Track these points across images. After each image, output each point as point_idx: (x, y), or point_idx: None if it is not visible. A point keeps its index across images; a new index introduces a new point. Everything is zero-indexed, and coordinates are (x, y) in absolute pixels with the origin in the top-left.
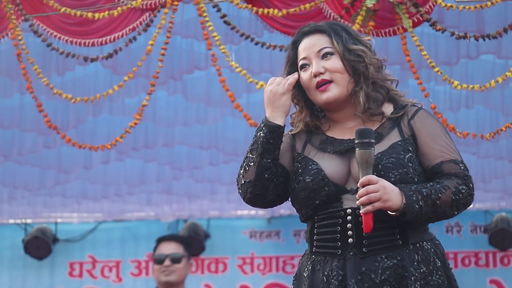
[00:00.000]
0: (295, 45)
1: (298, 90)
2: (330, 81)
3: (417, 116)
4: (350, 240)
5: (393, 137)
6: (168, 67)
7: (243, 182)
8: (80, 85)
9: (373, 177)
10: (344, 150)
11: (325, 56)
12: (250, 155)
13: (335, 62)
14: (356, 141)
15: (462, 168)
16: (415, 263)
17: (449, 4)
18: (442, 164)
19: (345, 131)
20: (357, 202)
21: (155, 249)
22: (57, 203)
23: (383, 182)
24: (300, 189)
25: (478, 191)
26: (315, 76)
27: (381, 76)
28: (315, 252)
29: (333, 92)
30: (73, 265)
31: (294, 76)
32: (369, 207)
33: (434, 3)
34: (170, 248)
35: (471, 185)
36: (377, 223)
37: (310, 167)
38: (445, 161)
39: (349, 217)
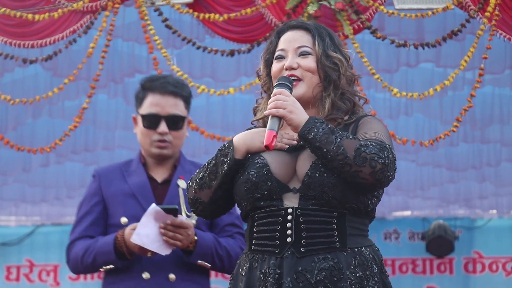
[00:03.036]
0: (278, 35)
1: (270, 78)
2: (299, 79)
3: (362, 120)
4: (288, 239)
5: None
6: (109, 70)
7: (194, 197)
8: (19, 87)
9: (287, 92)
10: (292, 148)
11: (302, 54)
12: (208, 178)
13: (310, 62)
14: (276, 83)
15: (384, 143)
16: (352, 267)
17: (390, 11)
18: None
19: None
20: (267, 111)
21: (140, 99)
22: None
23: (293, 98)
24: (243, 181)
25: (416, 198)
26: (287, 69)
27: (351, 89)
28: (253, 250)
29: (298, 90)
30: (10, 269)
31: (282, 145)
32: (273, 110)
33: (376, 10)
34: (168, 105)
35: (386, 154)
36: (317, 224)
37: (256, 161)
38: (371, 138)
39: (289, 217)
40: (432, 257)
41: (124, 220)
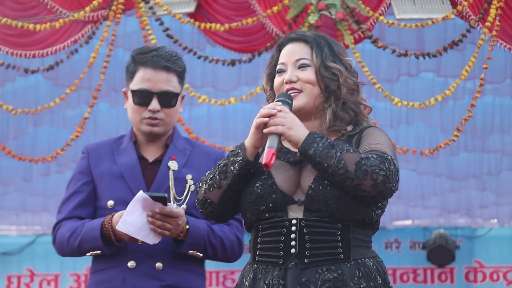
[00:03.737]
0: (279, 49)
1: (273, 92)
2: (299, 91)
3: (366, 131)
4: (292, 250)
5: None
6: (110, 79)
7: (204, 198)
8: (21, 97)
9: (286, 108)
10: (296, 160)
11: (301, 66)
12: (218, 177)
13: (309, 74)
14: (275, 100)
15: (386, 154)
16: (356, 278)
17: (390, 21)
18: (368, 152)
19: None
20: (266, 129)
21: (131, 73)
22: None
23: (294, 116)
24: (248, 193)
25: (417, 207)
26: (287, 83)
27: (353, 98)
28: (257, 261)
29: (299, 101)
30: (10, 278)
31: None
32: (271, 128)
33: (376, 20)
34: (160, 81)
35: (387, 166)
36: (321, 236)
37: (261, 173)
38: (372, 150)
39: (293, 228)
40: (433, 266)
41: (110, 203)
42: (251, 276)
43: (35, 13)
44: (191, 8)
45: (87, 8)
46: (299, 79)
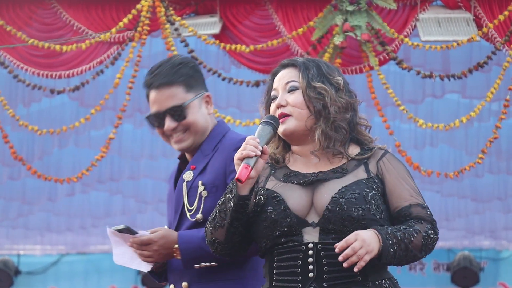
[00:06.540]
0: (273, 76)
1: None
2: (289, 115)
3: (385, 158)
4: (311, 274)
5: (359, 174)
6: (135, 100)
7: (211, 239)
8: (46, 117)
9: (349, 238)
10: (307, 182)
11: (290, 90)
12: (219, 217)
13: (297, 97)
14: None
15: (428, 213)
16: None
17: (415, 43)
18: (411, 207)
19: (309, 166)
20: (345, 263)
21: (147, 96)
22: (20, 235)
23: (360, 235)
24: (262, 219)
25: (442, 229)
26: (278, 107)
27: (344, 117)
28: (274, 286)
29: (289, 125)
30: None
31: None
32: (361, 263)
33: (401, 42)
34: (163, 99)
35: (437, 230)
36: (337, 259)
37: (272, 198)
38: (414, 204)
39: (310, 251)
40: None
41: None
42: None
43: (62, 34)
44: (216, 30)
45: (113, 29)
46: (288, 103)
